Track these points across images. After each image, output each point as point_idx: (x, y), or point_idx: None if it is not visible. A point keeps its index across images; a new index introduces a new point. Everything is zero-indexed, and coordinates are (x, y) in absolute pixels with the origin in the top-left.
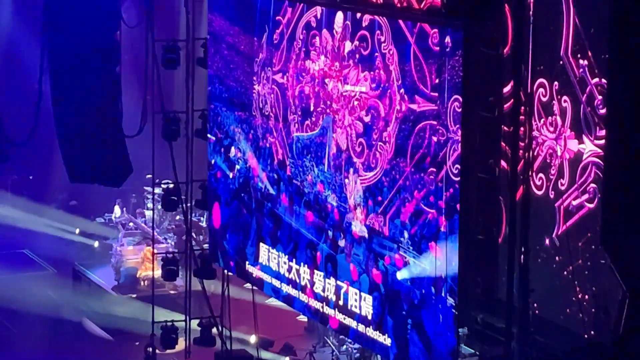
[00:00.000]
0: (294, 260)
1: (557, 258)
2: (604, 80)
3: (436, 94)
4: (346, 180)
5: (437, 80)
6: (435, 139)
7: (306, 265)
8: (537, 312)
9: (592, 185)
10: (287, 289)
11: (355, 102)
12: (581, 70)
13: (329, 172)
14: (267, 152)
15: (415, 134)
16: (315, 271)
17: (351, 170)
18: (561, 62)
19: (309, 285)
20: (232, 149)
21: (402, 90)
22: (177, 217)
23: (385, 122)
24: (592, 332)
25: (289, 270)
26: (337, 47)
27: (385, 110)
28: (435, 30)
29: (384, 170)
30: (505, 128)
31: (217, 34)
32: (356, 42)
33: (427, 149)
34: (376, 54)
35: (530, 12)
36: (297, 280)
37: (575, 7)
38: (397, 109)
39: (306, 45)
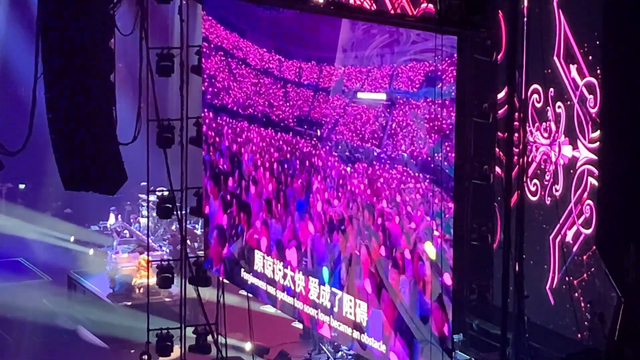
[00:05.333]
0: (289, 267)
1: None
2: (593, 80)
3: None
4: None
5: None
6: None
7: (301, 272)
8: (531, 318)
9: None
10: (282, 296)
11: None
12: (572, 72)
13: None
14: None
15: None
16: (310, 278)
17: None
18: (555, 70)
19: (303, 292)
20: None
21: None
22: (173, 227)
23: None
24: (588, 338)
25: (284, 277)
26: None
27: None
28: None
29: None
30: (500, 134)
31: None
32: None
33: None
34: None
35: (524, 19)
36: (292, 287)
37: (566, 11)
38: None
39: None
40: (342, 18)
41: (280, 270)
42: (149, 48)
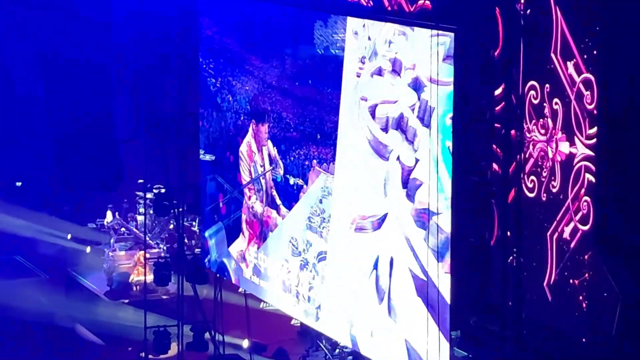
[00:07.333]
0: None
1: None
2: (590, 76)
3: None
4: None
5: None
6: None
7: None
8: (529, 315)
9: (586, 198)
10: (277, 291)
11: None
12: (569, 68)
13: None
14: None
15: None
16: (308, 273)
17: None
18: (552, 66)
19: (299, 288)
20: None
21: None
22: (171, 226)
23: None
24: (586, 336)
25: (280, 273)
26: None
27: None
28: None
29: None
30: (497, 129)
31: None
32: None
33: None
34: None
35: (521, 15)
36: (288, 283)
37: (563, 7)
38: None
39: None
40: (337, 15)
41: (288, 270)
42: (149, 44)
